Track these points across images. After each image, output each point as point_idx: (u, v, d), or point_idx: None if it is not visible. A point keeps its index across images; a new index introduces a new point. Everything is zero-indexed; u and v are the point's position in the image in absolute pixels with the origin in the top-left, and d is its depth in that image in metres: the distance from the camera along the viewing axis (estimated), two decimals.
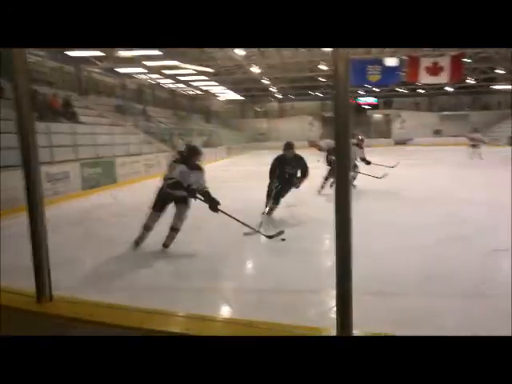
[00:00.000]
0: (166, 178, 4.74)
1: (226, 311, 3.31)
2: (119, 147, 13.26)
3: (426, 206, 7.05)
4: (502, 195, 6.79)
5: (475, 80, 28.97)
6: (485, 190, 8.42)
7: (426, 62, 17.81)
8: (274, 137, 34.13)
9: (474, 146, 17.29)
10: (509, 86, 30.83)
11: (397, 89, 32.67)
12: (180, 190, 4.64)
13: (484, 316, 2.91)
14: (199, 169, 4.82)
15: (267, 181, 6.36)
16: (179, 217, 4.79)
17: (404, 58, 18.86)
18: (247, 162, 20.94)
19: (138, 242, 4.83)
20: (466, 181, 10.58)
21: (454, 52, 18.82)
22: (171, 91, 28.67)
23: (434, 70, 17.72)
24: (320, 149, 14.62)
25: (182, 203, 4.79)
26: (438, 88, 31.08)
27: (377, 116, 37.14)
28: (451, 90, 32.76)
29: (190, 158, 4.78)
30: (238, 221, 4.79)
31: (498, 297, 3.18)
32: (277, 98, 36.35)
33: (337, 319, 1.45)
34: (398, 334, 1.51)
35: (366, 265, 3.59)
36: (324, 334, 1.61)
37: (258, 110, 38.98)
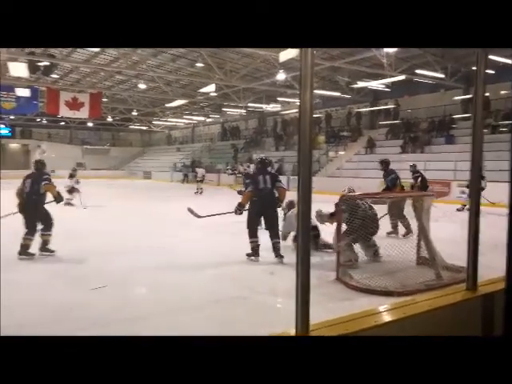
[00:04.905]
0: None
1: None
2: None
3: None
4: None
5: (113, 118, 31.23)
6: None
7: (65, 96, 17.74)
8: None
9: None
10: (143, 127, 34.93)
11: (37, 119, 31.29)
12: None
13: None
14: None
15: None
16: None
17: (42, 88, 18.19)
18: None
19: None
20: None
21: (92, 90, 19.69)
22: None
23: (74, 105, 17.89)
24: None
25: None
26: (80, 122, 31.57)
27: (13, 146, 33.93)
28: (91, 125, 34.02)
29: None
30: None
31: None
32: None
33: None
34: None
35: None
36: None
37: None
